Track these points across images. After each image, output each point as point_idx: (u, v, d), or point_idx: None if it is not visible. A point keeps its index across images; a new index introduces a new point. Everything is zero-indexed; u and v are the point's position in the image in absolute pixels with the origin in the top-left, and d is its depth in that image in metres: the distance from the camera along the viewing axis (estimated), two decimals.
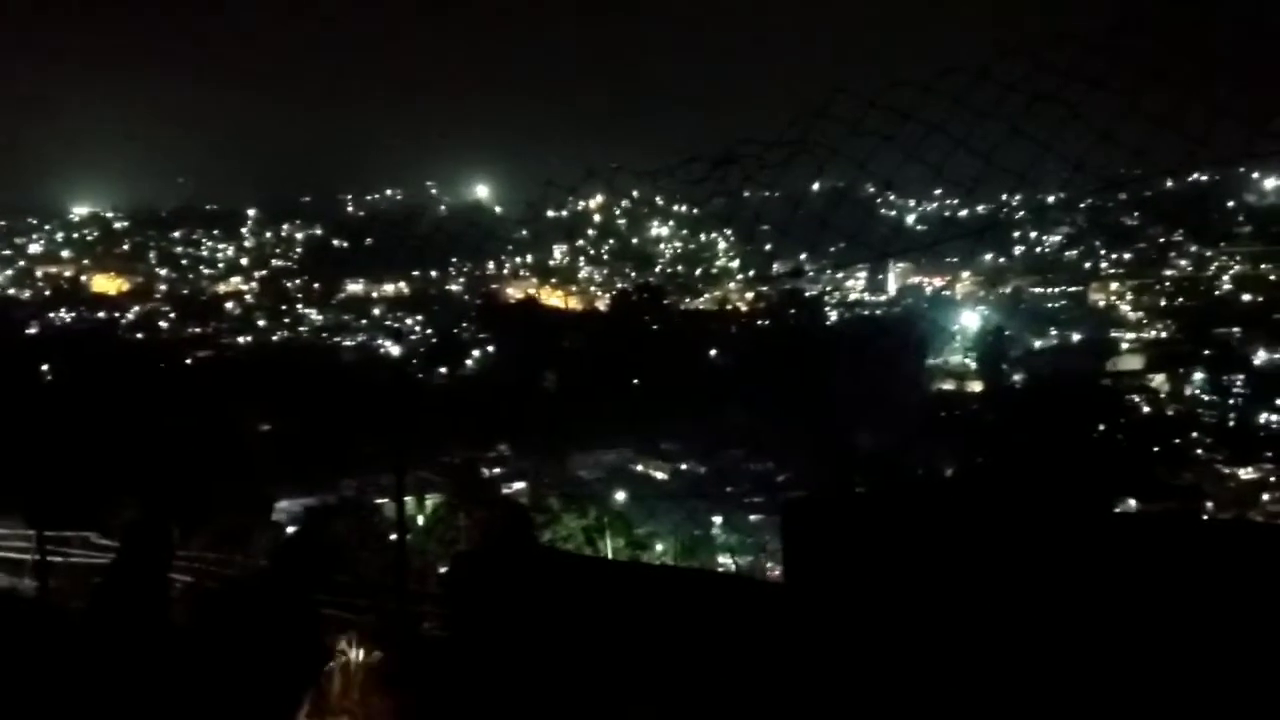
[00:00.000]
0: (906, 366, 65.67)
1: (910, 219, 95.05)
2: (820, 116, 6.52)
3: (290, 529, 25.46)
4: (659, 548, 32.15)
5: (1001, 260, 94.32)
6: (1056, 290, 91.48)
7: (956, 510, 5.44)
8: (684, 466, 52.67)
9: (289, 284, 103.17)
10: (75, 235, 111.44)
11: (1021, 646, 4.70)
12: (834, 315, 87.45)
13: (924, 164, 6.28)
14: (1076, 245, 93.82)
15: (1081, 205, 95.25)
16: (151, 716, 6.51)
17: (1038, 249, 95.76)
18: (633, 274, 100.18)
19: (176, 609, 8.88)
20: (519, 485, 42.01)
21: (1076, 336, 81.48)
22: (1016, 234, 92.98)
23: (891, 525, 5.31)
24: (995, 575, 4.84)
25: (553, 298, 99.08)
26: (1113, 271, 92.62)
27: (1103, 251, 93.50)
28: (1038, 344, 79.02)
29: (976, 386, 69.53)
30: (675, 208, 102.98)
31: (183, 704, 6.53)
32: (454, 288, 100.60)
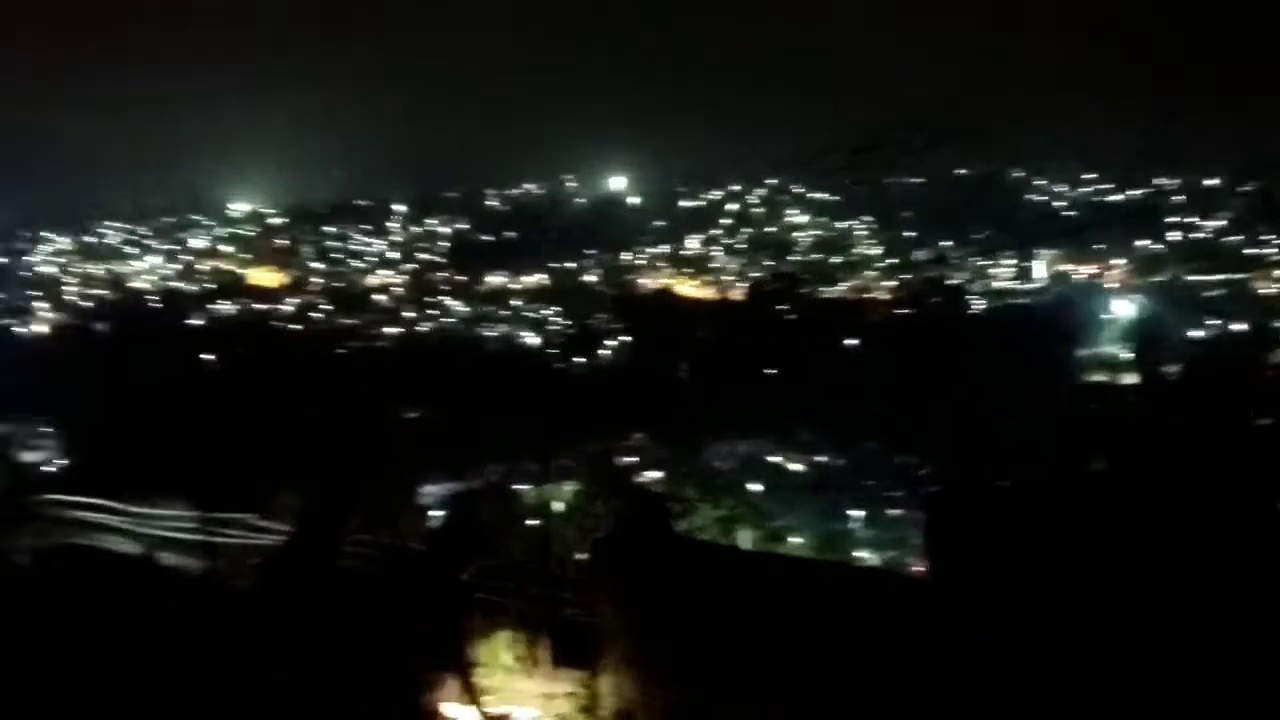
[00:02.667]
0: (1055, 357, 63.68)
1: (1059, 204, 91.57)
2: (968, 98, 6.38)
3: (435, 513, 26.17)
4: (795, 540, 31.85)
5: (1157, 247, 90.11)
6: (1216, 278, 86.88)
7: (1104, 506, 5.29)
8: (821, 458, 51.91)
9: (434, 276, 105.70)
10: (235, 231, 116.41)
11: (1175, 645, 4.55)
12: (979, 304, 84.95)
13: (1073, 146, 6.10)
14: (1238, 231, 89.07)
15: (1244, 189, 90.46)
16: (313, 688, 6.83)
17: (1195, 235, 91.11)
18: (769, 262, 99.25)
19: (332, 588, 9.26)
20: (655, 474, 42.19)
21: (1238, 326, 77.37)
22: (1173, 219, 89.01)
23: (1039, 520, 5.19)
24: (1143, 571, 4.70)
25: (688, 287, 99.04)
26: (1278, 258, 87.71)
27: (1268, 237, 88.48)
28: (1196, 334, 75.40)
29: (1130, 378, 66.83)
30: (813, 195, 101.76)
31: (342, 676, 6.83)
32: (590, 278, 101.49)
